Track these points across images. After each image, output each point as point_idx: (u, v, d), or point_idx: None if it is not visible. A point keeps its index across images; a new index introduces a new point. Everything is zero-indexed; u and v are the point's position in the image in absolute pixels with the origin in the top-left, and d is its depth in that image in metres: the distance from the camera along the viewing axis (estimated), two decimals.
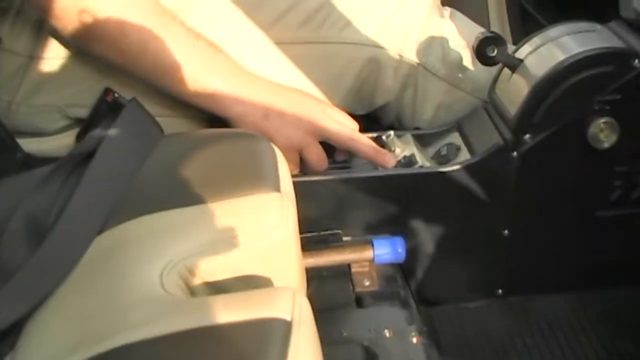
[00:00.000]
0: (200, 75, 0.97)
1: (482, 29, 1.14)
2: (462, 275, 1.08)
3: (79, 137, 1.04)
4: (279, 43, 1.08)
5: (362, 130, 1.08)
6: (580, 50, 0.96)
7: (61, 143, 1.07)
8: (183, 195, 0.74)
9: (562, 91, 0.96)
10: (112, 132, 0.82)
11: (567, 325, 1.06)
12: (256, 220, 0.70)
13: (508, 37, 1.50)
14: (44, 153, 1.06)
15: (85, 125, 1.03)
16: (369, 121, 1.16)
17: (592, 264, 1.08)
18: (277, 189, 0.75)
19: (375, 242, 0.98)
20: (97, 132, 0.83)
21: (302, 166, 1.03)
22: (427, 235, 1.04)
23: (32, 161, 1.03)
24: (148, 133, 0.88)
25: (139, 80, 1.00)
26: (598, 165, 1.01)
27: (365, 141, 1.03)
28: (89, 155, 0.76)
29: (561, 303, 1.10)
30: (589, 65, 0.95)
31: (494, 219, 1.04)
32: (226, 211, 0.70)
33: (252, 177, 0.78)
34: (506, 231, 1.05)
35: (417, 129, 1.13)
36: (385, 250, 0.98)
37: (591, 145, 0.99)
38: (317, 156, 1.02)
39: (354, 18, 1.10)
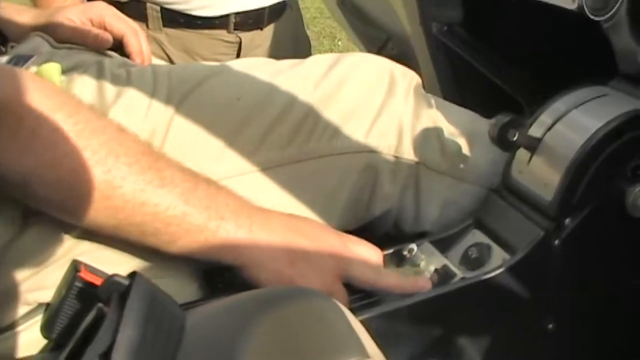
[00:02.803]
0: (207, 223, 0.82)
1: (468, 111, 1.05)
2: None
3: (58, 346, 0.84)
4: (264, 168, 0.94)
5: None
6: (606, 120, 0.89)
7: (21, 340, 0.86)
8: None
9: (597, 167, 0.89)
10: (125, 335, 0.65)
11: None
12: None
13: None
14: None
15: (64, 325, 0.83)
16: (358, 233, 1.02)
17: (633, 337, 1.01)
18: (365, 354, 0.63)
19: None
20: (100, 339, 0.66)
21: None
22: (474, 350, 0.93)
23: None
24: (171, 320, 0.71)
25: (109, 242, 0.84)
26: (634, 234, 0.94)
27: (391, 278, 0.90)
28: None
29: None
30: (619, 133, 0.89)
31: (538, 315, 0.94)
32: None
33: (332, 345, 0.65)
34: (551, 325, 0.95)
35: (423, 233, 1.01)
36: None
37: (630, 215, 0.91)
38: (342, 301, 0.87)
39: (341, 123, 0.99)
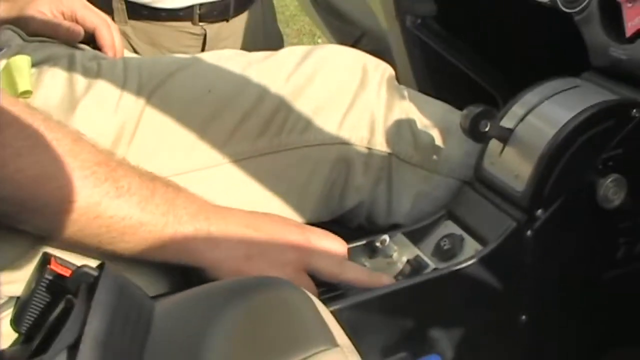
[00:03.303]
0: (164, 230, 0.81)
1: (441, 103, 1.05)
2: None
3: (29, 339, 0.82)
4: (236, 160, 0.93)
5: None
6: (577, 112, 0.89)
7: None
8: None
9: (568, 158, 0.89)
10: (92, 326, 0.64)
11: None
12: None
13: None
14: None
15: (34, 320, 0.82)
16: (331, 225, 1.02)
17: (605, 329, 1.01)
18: (334, 343, 0.63)
19: None
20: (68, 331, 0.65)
21: None
22: (446, 341, 0.92)
23: None
24: (139, 310, 0.71)
25: None
26: (606, 226, 0.95)
27: (355, 270, 0.89)
28: None
29: None
30: (591, 124, 0.89)
31: (511, 306, 0.94)
32: None
33: (301, 335, 0.65)
34: (524, 317, 0.95)
35: (395, 226, 1.01)
36: None
37: (601, 207, 0.92)
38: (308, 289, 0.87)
39: (313, 115, 0.98)
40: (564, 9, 0.98)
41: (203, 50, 1.65)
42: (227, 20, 1.67)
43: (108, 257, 0.83)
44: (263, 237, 0.86)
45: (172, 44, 1.62)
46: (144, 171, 0.83)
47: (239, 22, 1.70)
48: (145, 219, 0.80)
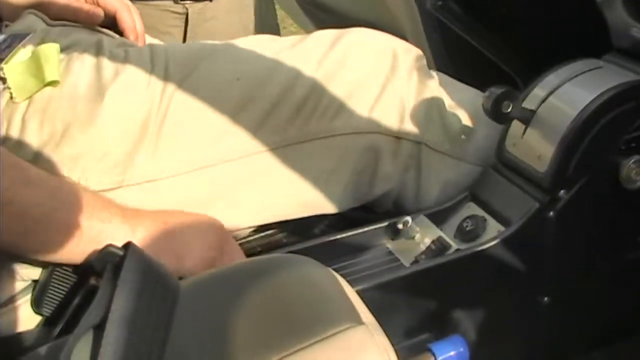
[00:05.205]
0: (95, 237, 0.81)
1: (472, 89, 1.04)
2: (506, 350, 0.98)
3: (53, 320, 0.83)
4: (265, 150, 0.93)
5: (360, 221, 0.97)
6: (599, 92, 0.88)
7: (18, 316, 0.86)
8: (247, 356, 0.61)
9: (590, 139, 0.89)
10: (118, 306, 0.64)
11: None
12: None
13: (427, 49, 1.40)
14: None
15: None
16: (361, 209, 1.02)
17: (630, 311, 1.01)
18: (359, 320, 0.64)
19: (435, 349, 0.85)
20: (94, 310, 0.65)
21: None
22: (468, 322, 0.93)
23: None
24: (165, 289, 0.71)
25: None
26: (629, 206, 0.94)
27: None
28: None
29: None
30: (613, 105, 0.89)
31: (533, 288, 0.94)
32: None
33: (326, 312, 0.65)
34: (546, 298, 0.95)
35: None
36: (448, 354, 0.85)
37: (624, 187, 0.92)
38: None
39: (343, 102, 0.97)
40: None
41: (186, 30, 1.63)
42: (211, 0, 1.64)
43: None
44: (179, 223, 0.87)
45: (156, 23, 1.58)
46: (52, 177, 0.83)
47: (226, 3, 1.66)
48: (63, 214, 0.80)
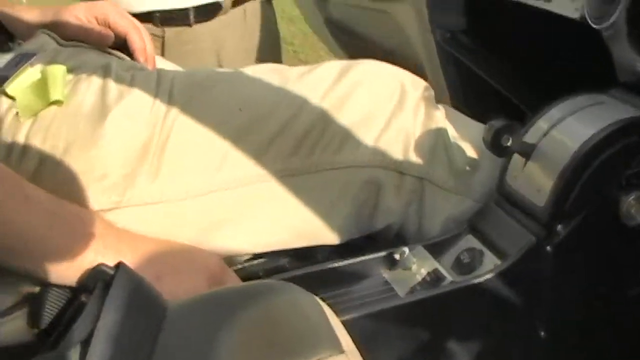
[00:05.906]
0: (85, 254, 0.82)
1: (479, 124, 1.04)
2: None
3: (47, 334, 0.84)
4: (264, 180, 0.94)
5: (361, 249, 0.96)
6: (600, 127, 0.88)
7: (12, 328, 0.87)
8: None
9: (590, 173, 0.88)
10: (105, 322, 0.65)
11: None
12: None
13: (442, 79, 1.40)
14: None
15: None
16: (359, 239, 1.02)
17: (630, 348, 1.00)
18: (340, 349, 0.64)
19: None
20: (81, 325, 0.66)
21: None
22: (463, 356, 0.92)
23: None
24: (153, 309, 0.72)
25: None
26: (629, 242, 0.93)
27: None
28: None
29: None
30: (614, 140, 0.88)
31: (530, 322, 0.93)
32: None
33: (308, 339, 0.66)
34: (543, 332, 0.94)
35: None
36: None
37: (623, 224, 0.91)
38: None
39: (347, 136, 0.96)
40: (593, 25, 0.97)
41: (162, 52, 1.64)
42: (190, 26, 1.66)
43: None
44: (173, 256, 0.88)
45: None
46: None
47: (204, 29, 1.68)
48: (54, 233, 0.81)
